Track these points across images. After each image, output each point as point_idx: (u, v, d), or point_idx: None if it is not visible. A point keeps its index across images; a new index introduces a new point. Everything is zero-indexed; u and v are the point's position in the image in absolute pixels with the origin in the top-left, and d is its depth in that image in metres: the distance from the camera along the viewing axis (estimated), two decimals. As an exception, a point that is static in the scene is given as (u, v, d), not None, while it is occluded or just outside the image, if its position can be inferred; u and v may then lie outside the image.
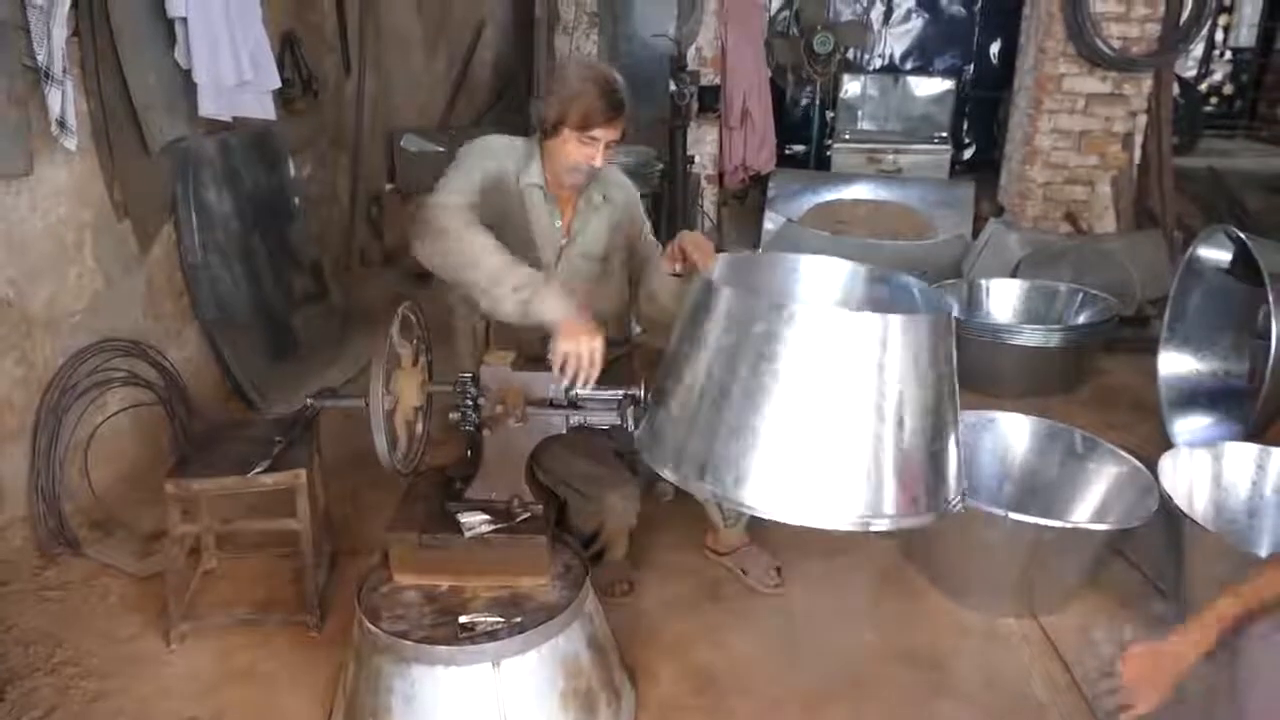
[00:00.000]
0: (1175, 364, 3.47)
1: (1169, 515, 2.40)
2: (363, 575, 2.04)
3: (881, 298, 2.02)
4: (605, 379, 1.98)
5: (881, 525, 1.64)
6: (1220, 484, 2.62)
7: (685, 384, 1.71)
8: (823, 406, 1.59)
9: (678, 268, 2.16)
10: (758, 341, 1.59)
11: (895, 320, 1.59)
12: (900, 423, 1.61)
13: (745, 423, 1.61)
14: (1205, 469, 2.62)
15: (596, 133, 2.18)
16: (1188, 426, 3.36)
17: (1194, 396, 3.43)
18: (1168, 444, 3.14)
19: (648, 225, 2.53)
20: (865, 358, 1.58)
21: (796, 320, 1.58)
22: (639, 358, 2.49)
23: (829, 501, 1.61)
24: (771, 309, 1.59)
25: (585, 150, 2.20)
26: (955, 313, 1.71)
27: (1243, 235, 3.05)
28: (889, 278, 2.03)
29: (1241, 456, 2.63)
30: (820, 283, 2.06)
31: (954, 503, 1.72)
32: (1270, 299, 2.77)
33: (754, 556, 2.57)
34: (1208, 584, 2.35)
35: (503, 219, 2.26)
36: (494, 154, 2.30)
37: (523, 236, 2.29)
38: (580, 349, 1.93)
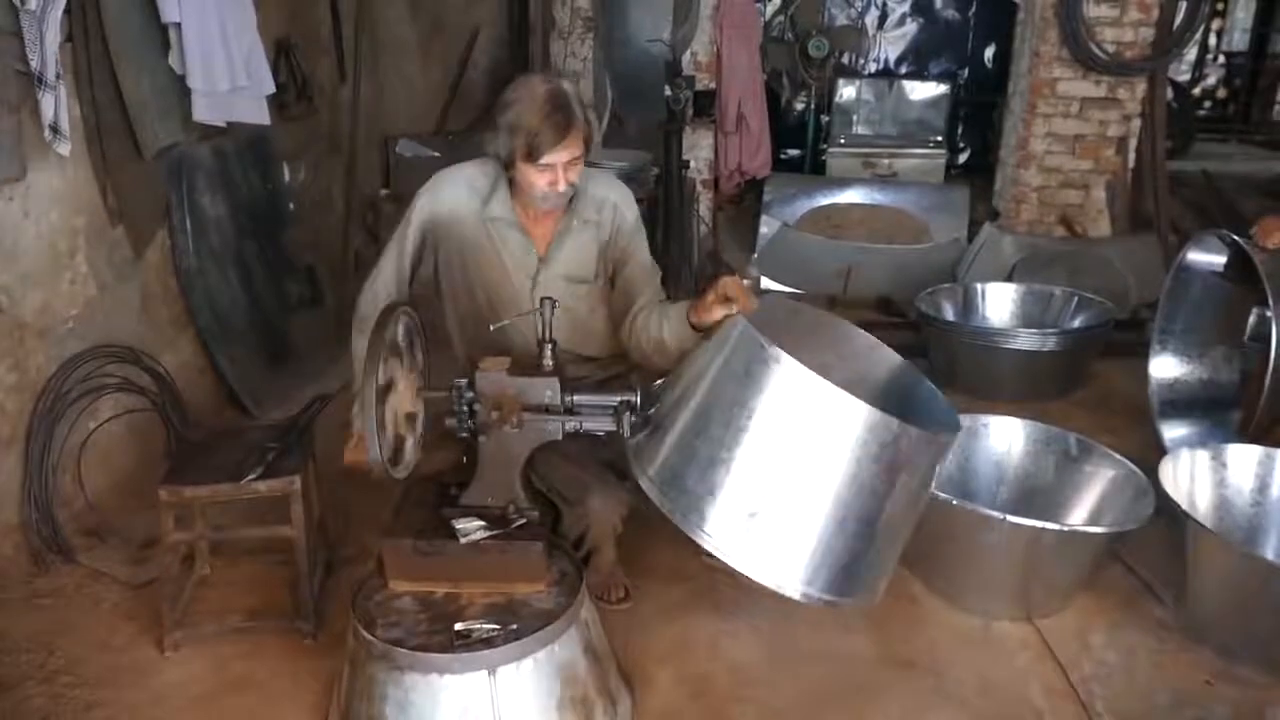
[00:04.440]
0: (1166, 370, 3.46)
1: (1171, 518, 2.40)
2: (358, 582, 2.03)
3: (898, 392, 1.98)
4: (602, 387, 1.98)
5: (819, 599, 1.67)
6: (1223, 487, 2.62)
7: (685, 410, 1.74)
8: (808, 478, 1.63)
9: (723, 312, 1.95)
10: (769, 398, 1.61)
11: (916, 433, 1.61)
12: (871, 516, 1.65)
13: (729, 464, 1.64)
14: (1207, 472, 2.62)
15: (548, 158, 2.11)
16: (1178, 432, 3.35)
17: (1184, 402, 3.43)
18: (1163, 448, 3.14)
19: (641, 252, 2.40)
20: (870, 453, 1.60)
21: (821, 397, 1.58)
22: (635, 373, 2.47)
23: (781, 563, 1.66)
24: (798, 375, 1.59)
25: (545, 177, 2.15)
26: (957, 437, 1.77)
27: (1238, 239, 3.06)
28: (917, 382, 2.01)
29: (1244, 459, 2.63)
30: (850, 361, 2.03)
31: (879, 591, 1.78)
32: (1271, 302, 2.77)
33: None
34: (1213, 586, 2.36)
35: (469, 249, 2.30)
36: (446, 190, 2.30)
37: (492, 265, 2.30)
38: (357, 463, 2.10)
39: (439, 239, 2.33)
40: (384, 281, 2.30)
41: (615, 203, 2.39)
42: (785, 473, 1.63)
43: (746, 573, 1.67)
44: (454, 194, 2.30)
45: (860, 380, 1.96)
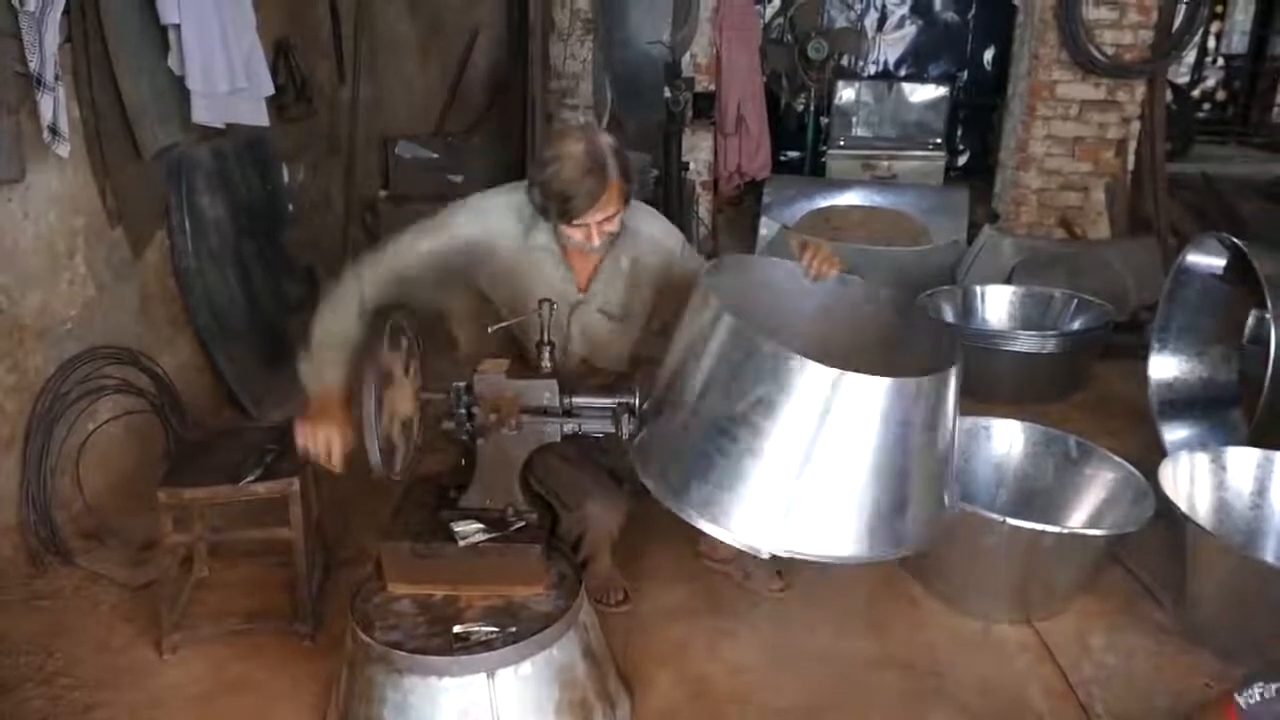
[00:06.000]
0: (1165, 370, 3.46)
1: (1170, 520, 2.40)
2: (356, 584, 2.03)
3: (891, 323, 2.05)
4: (601, 389, 1.99)
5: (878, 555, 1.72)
6: (1223, 489, 2.62)
7: (680, 403, 1.75)
8: (839, 460, 1.65)
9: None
10: (756, 380, 1.62)
11: (931, 380, 1.64)
12: (908, 468, 1.68)
13: (751, 463, 1.65)
14: (1206, 474, 2.62)
15: (582, 220, 2.10)
16: (1178, 433, 3.35)
17: (1184, 402, 3.43)
18: (1162, 450, 3.14)
19: (689, 256, 2.40)
20: (861, 415, 1.62)
21: (799, 371, 1.60)
22: (641, 373, 2.48)
23: (830, 538, 1.69)
24: (776, 356, 1.61)
25: (580, 233, 2.13)
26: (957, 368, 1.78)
27: (1238, 241, 3.06)
28: (906, 307, 2.08)
29: (1244, 462, 2.63)
30: (832, 301, 2.09)
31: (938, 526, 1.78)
32: (1269, 304, 2.77)
33: (755, 561, 2.56)
34: (1212, 589, 2.36)
35: (505, 274, 2.25)
36: (486, 216, 2.23)
37: (531, 293, 2.25)
38: (316, 441, 2.01)
39: (477, 262, 2.25)
40: (397, 264, 2.17)
41: (659, 237, 2.36)
42: (814, 460, 1.64)
43: (798, 556, 1.70)
44: (501, 221, 2.23)
45: (851, 329, 2.02)
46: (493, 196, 2.28)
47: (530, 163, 2.15)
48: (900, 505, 1.70)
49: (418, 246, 2.18)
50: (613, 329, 2.35)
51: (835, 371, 1.59)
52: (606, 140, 2.11)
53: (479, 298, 2.36)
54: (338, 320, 2.12)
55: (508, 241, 2.23)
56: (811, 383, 1.60)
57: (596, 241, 2.15)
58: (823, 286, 2.11)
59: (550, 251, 2.24)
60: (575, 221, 2.10)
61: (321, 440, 2.01)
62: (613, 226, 2.16)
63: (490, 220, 2.23)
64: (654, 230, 2.36)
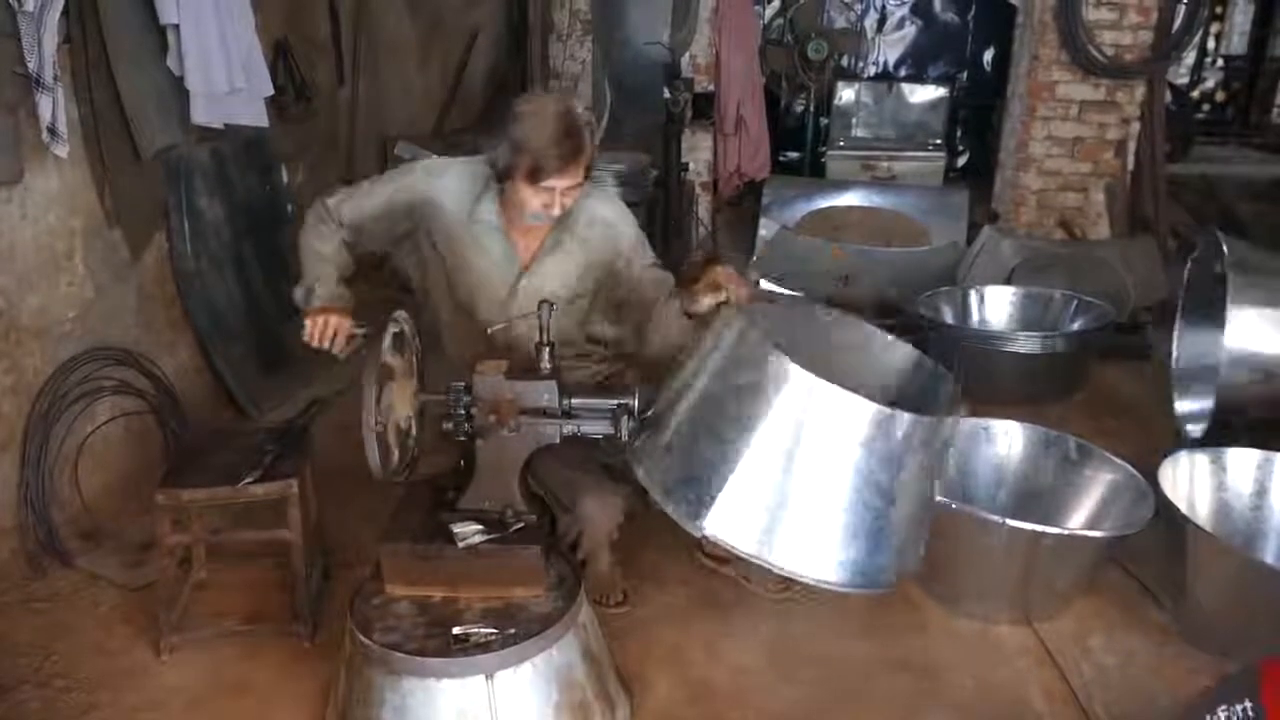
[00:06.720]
0: (1189, 356, 3.42)
1: (1169, 521, 2.39)
2: (355, 586, 2.02)
3: (904, 378, 2.07)
4: (600, 391, 1.98)
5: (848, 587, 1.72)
6: (1223, 490, 2.61)
7: (687, 410, 1.76)
8: (821, 476, 1.66)
9: (712, 300, 2.10)
10: (768, 395, 1.64)
11: (924, 420, 1.66)
12: (888, 501, 1.69)
13: (741, 469, 1.66)
14: (1206, 475, 2.62)
15: (549, 182, 2.08)
16: (1198, 426, 3.31)
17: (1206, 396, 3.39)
18: (1162, 450, 3.12)
19: (645, 257, 2.38)
20: (866, 441, 1.65)
21: (818, 394, 1.63)
22: (632, 371, 2.47)
23: (807, 558, 1.69)
24: (797, 376, 1.63)
25: (541, 199, 2.12)
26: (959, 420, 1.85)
27: (1219, 232, 3.04)
28: (917, 360, 2.09)
29: (1244, 462, 2.62)
30: (849, 350, 2.10)
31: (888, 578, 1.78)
32: (1228, 291, 2.76)
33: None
34: (1212, 590, 2.36)
35: (455, 244, 2.27)
36: (438, 177, 2.26)
37: (473, 268, 2.27)
38: (319, 327, 2.07)
39: (428, 220, 2.27)
40: (352, 209, 2.25)
41: (611, 222, 2.35)
42: (799, 473, 1.65)
43: (777, 569, 1.70)
44: (455, 184, 2.26)
45: (865, 370, 2.02)
46: (449, 162, 2.33)
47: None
48: (877, 541, 1.70)
49: (372, 198, 2.27)
50: (559, 309, 2.32)
51: (829, 386, 1.62)
52: (583, 109, 2.13)
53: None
54: (324, 244, 2.25)
55: (454, 206, 2.25)
56: (795, 389, 1.63)
57: (556, 210, 2.15)
58: (841, 331, 2.12)
59: (493, 226, 2.25)
60: (541, 183, 2.09)
61: (330, 326, 2.06)
62: (571, 199, 2.17)
63: (442, 181, 2.27)
64: (605, 212, 2.35)
